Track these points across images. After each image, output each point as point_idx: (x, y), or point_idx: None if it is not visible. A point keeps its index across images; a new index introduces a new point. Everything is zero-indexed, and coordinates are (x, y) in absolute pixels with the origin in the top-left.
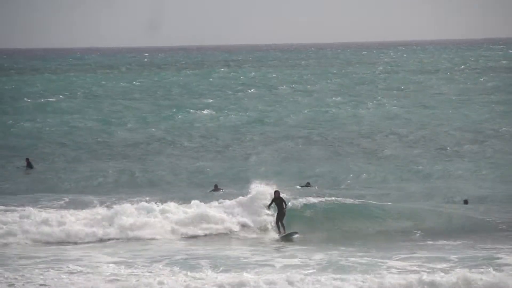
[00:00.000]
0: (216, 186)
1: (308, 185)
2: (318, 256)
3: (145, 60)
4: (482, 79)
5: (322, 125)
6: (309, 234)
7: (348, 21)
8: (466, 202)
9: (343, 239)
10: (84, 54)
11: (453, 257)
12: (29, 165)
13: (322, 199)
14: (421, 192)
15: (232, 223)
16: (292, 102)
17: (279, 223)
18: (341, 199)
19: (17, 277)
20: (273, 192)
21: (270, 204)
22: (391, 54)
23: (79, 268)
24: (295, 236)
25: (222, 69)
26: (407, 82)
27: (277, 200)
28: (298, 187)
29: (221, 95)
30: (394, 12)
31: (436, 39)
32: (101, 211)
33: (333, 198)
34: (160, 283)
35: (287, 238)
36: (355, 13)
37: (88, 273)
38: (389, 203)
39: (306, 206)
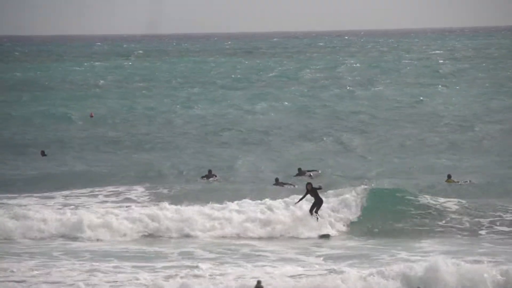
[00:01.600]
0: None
1: (299, 171)
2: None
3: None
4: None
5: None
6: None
7: (341, 10)
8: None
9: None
10: (89, 42)
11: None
12: (44, 155)
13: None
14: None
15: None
16: (345, 92)
17: (313, 212)
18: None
19: None
20: (305, 185)
21: (302, 198)
22: (406, 41)
23: None
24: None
25: (245, 61)
26: (447, 68)
27: (311, 192)
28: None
29: (251, 85)
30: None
31: (430, 27)
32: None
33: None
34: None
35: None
36: (349, 2)
37: None
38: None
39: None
